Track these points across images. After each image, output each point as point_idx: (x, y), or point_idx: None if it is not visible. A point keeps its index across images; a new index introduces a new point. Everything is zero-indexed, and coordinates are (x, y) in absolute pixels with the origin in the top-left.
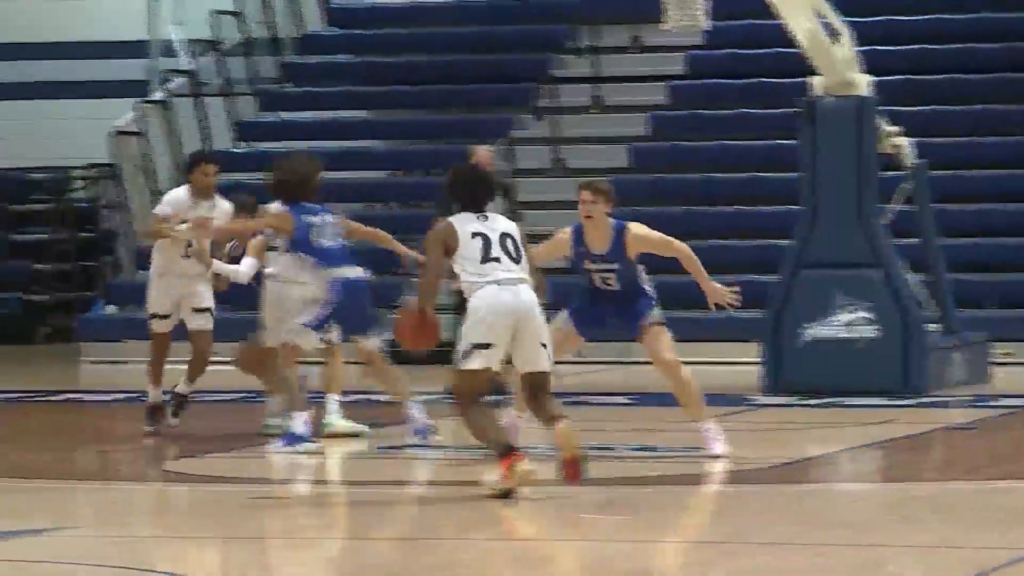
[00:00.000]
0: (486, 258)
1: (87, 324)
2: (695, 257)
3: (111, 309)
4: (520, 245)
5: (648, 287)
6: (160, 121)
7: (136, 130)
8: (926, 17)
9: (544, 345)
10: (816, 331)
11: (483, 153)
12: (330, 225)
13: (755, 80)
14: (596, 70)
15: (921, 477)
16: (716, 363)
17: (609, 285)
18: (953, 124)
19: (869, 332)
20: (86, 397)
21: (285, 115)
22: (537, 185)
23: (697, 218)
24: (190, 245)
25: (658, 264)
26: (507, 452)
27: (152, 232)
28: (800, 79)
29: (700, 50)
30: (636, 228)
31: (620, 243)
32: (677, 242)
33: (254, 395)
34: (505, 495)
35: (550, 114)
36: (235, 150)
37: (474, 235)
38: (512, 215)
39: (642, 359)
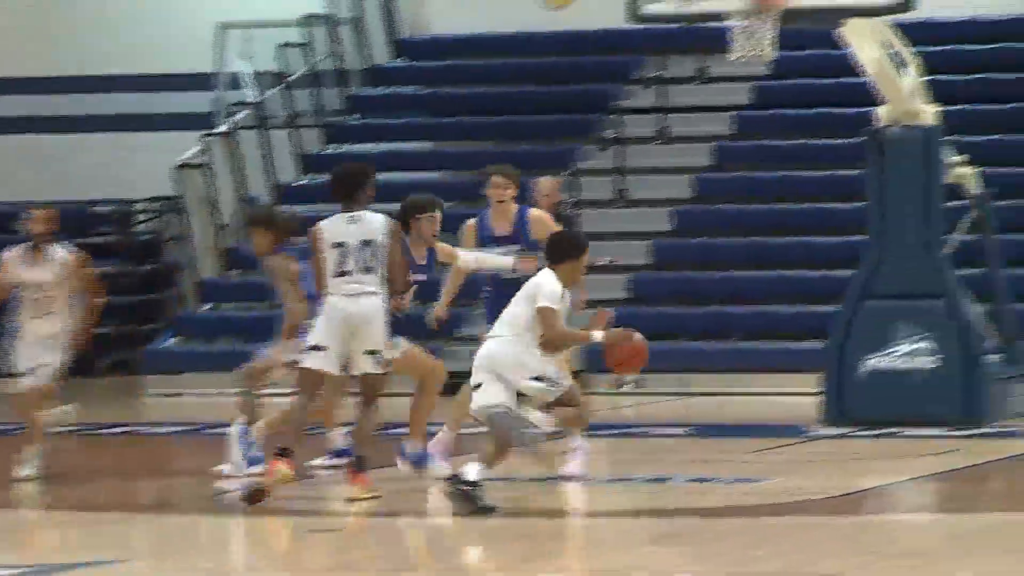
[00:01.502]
0: (337, 272)
1: (151, 356)
2: None
3: (174, 341)
4: (378, 254)
5: None
6: (225, 154)
7: (200, 162)
8: (992, 46)
9: (371, 352)
10: (877, 362)
11: (545, 183)
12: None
13: (821, 110)
14: (662, 100)
15: (983, 508)
16: (777, 394)
17: (514, 272)
18: (1018, 153)
19: (930, 362)
20: (150, 429)
21: (350, 147)
22: (601, 216)
23: (762, 249)
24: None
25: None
26: (284, 453)
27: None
28: (867, 109)
29: (766, 80)
30: (537, 212)
31: (523, 224)
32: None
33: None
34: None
35: (615, 145)
36: (300, 182)
37: (334, 245)
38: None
39: (700, 390)
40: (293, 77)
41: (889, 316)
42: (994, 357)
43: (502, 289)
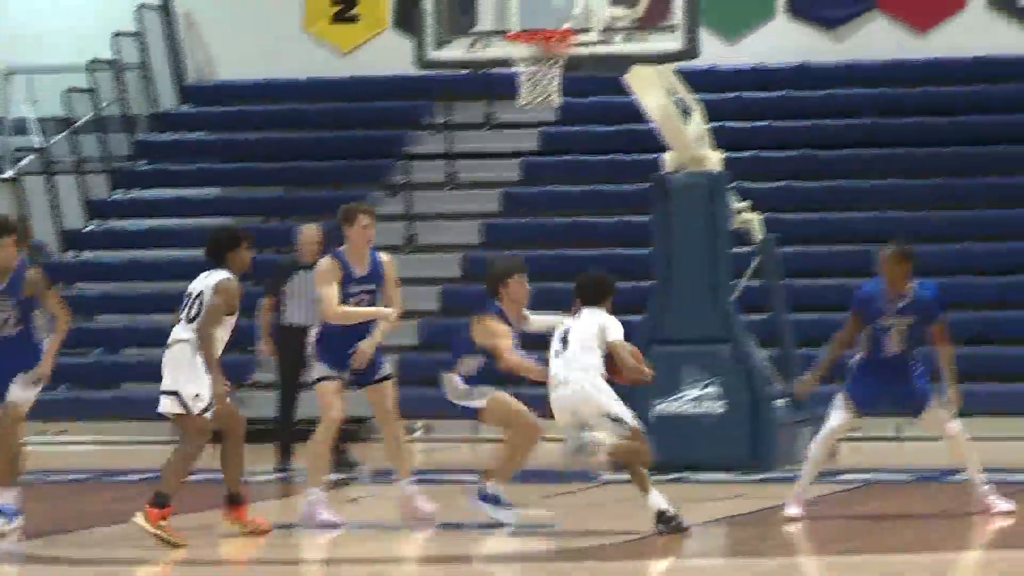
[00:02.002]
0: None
1: None
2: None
3: None
4: (194, 305)
5: None
6: (10, 200)
7: None
8: (778, 93)
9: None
10: (666, 406)
11: (312, 231)
12: None
13: (608, 156)
14: (450, 146)
15: (768, 552)
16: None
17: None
18: (802, 199)
19: (718, 407)
20: None
21: (138, 193)
22: None
23: (552, 294)
24: None
25: None
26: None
27: None
28: (653, 155)
29: (554, 126)
30: (385, 254)
31: (377, 266)
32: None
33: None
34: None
35: (404, 190)
36: (87, 228)
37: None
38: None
39: (490, 436)
40: (79, 123)
41: (677, 361)
42: (780, 402)
43: (332, 330)
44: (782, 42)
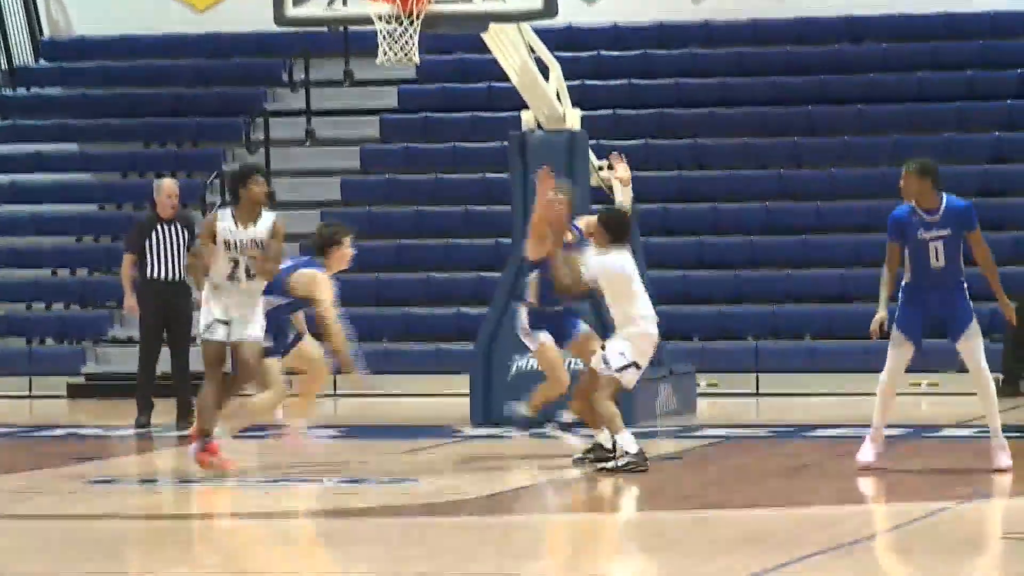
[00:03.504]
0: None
1: None
2: None
3: None
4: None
5: None
6: None
7: None
8: (635, 52)
9: None
10: (524, 363)
11: (170, 184)
12: None
13: (467, 114)
14: (309, 104)
15: (626, 507)
16: (428, 396)
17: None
18: (663, 158)
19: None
20: None
21: None
22: None
23: (409, 251)
24: None
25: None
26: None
27: None
28: (512, 113)
29: (412, 84)
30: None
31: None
32: None
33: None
34: None
35: (263, 147)
36: None
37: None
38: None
39: (348, 392)
40: None
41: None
42: None
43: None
44: (639, 2)
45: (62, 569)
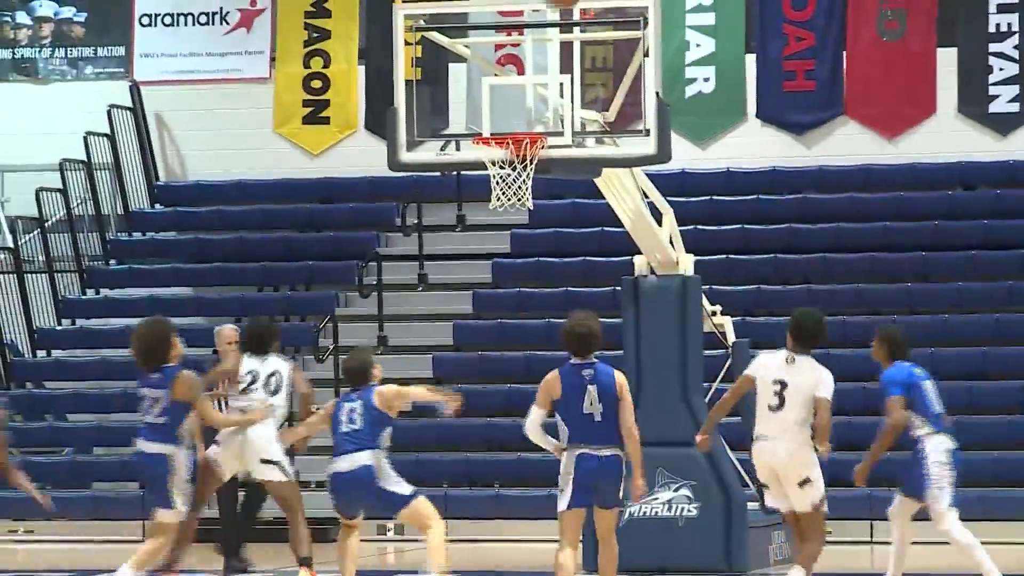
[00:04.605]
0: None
1: None
2: None
3: None
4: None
5: None
6: None
7: None
8: (749, 197)
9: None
10: (637, 509)
11: (226, 331)
12: None
13: (579, 258)
14: (422, 248)
15: None
16: (542, 541)
17: None
18: (772, 303)
19: (690, 510)
20: None
21: (108, 292)
22: None
23: (521, 396)
24: None
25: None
26: None
27: None
28: (624, 258)
29: (525, 228)
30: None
31: None
32: None
33: None
34: None
35: (376, 291)
36: (58, 327)
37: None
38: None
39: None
40: (50, 222)
41: (649, 463)
42: (751, 504)
43: None
44: (752, 147)
45: None
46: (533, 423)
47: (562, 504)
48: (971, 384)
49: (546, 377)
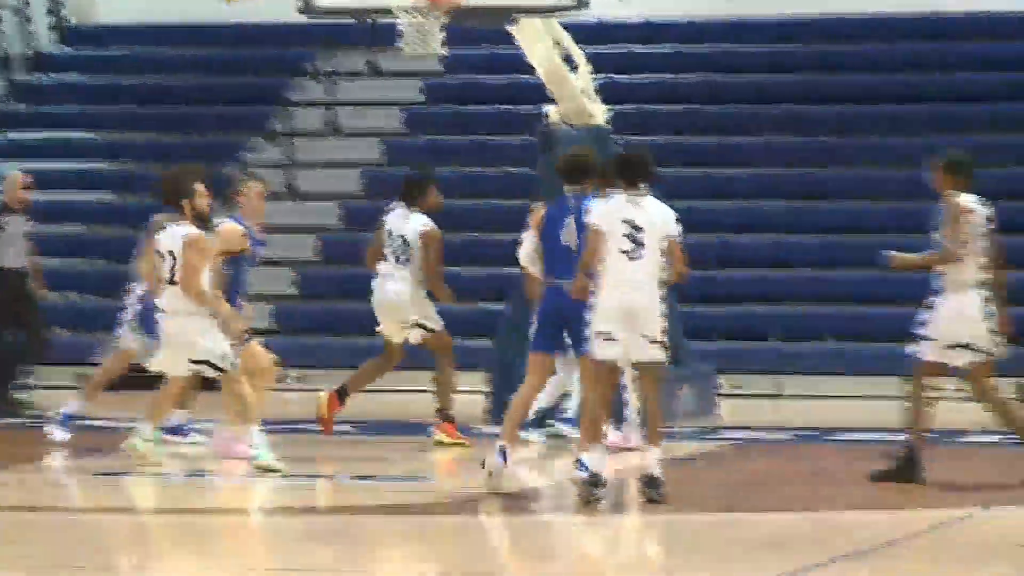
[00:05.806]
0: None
1: None
2: None
3: None
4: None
5: None
6: None
7: None
8: (664, 47)
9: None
10: None
11: (11, 177)
12: None
13: (492, 107)
14: (331, 94)
15: (646, 509)
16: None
17: None
18: (689, 156)
19: None
20: None
21: (14, 135)
22: (269, 210)
23: None
24: None
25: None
26: None
27: None
28: (537, 107)
29: (436, 77)
30: None
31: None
32: None
33: None
34: None
35: (284, 138)
36: None
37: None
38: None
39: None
40: None
41: None
42: None
43: None
44: None
45: (67, 561)
46: None
47: None
48: (882, 239)
49: None
